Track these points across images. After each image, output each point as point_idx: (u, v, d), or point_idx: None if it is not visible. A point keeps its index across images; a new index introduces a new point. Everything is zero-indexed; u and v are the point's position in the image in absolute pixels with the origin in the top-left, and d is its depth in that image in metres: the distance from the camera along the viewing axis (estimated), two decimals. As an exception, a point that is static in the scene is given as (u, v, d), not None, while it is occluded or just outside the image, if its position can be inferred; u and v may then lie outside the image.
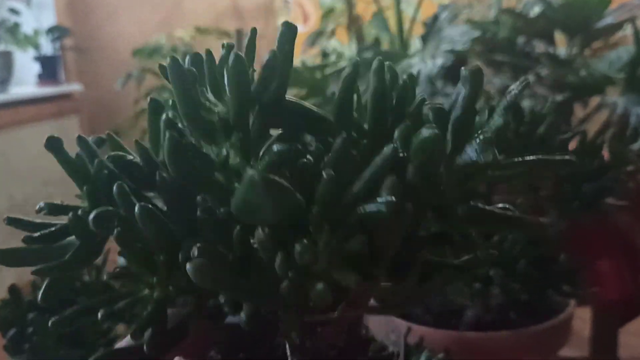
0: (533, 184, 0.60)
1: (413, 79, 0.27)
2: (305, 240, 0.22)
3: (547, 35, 1.20)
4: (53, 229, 0.28)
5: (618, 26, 1.17)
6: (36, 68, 2.26)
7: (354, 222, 0.22)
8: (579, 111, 1.08)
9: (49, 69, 2.25)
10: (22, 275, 0.52)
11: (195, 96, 0.25)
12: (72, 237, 0.28)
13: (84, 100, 2.34)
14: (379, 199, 0.21)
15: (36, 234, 0.28)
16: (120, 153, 0.28)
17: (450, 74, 1.10)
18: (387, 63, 0.27)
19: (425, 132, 0.23)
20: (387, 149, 0.22)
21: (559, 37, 1.25)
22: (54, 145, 0.27)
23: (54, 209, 0.28)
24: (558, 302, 0.68)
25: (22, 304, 0.48)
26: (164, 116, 0.27)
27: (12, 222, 0.29)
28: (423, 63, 1.12)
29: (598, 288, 1.26)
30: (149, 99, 0.31)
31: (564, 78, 1.09)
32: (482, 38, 1.13)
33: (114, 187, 0.25)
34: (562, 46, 1.24)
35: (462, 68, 0.25)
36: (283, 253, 0.22)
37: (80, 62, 2.38)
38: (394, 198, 0.21)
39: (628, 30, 1.18)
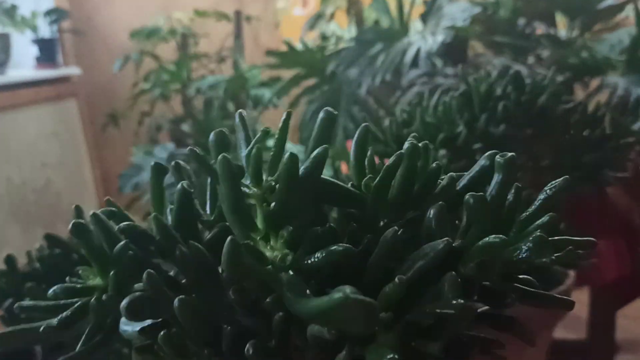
0: (533, 154, 0.60)
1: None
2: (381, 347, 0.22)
3: (548, 17, 1.19)
4: (69, 313, 0.28)
5: (619, 8, 1.17)
6: (34, 51, 2.24)
7: (424, 324, 0.23)
8: (579, 93, 1.08)
9: (47, 51, 2.23)
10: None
11: (241, 193, 0.25)
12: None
13: (82, 83, 2.32)
14: (452, 302, 0.22)
15: (55, 321, 0.28)
16: (131, 224, 0.28)
17: (450, 52, 1.10)
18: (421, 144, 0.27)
19: (495, 238, 0.24)
20: (441, 243, 0.23)
21: (560, 18, 1.24)
22: (79, 229, 0.27)
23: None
24: (556, 274, 0.68)
25: (18, 275, 0.48)
26: (179, 186, 0.28)
27: (24, 309, 0.29)
28: (423, 40, 1.11)
29: (596, 269, 1.26)
30: (153, 163, 0.31)
31: (564, 59, 1.08)
32: (482, 17, 1.12)
33: (145, 276, 0.25)
34: (562, 28, 1.23)
35: (497, 157, 0.26)
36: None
37: (78, 45, 2.37)
38: (461, 300, 0.22)
39: (629, 12, 1.17)
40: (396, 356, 0.21)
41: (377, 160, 0.29)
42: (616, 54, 1.07)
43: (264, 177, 0.26)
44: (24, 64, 2.25)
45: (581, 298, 1.65)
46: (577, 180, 0.58)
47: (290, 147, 1.78)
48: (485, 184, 0.27)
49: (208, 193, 0.31)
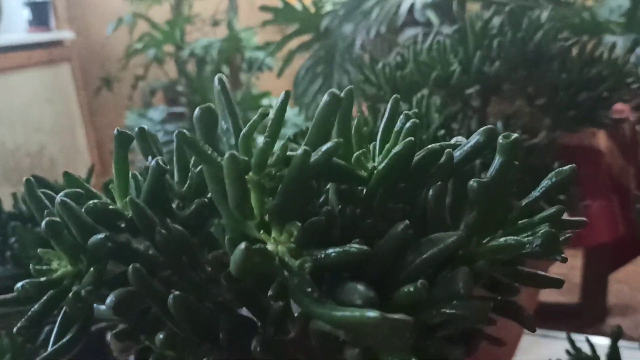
0: (528, 93, 0.59)
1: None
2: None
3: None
4: (40, 307, 0.26)
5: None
6: (26, 14, 2.21)
7: (439, 322, 0.23)
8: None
9: (39, 14, 2.21)
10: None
11: (247, 189, 0.24)
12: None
13: (75, 47, 2.30)
14: (470, 303, 0.22)
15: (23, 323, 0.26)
16: (99, 202, 0.27)
17: (445, 10, 1.08)
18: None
19: (511, 240, 0.24)
20: (453, 237, 0.23)
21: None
22: (54, 228, 0.26)
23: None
24: None
25: (3, 214, 0.47)
26: (154, 163, 0.26)
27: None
28: (420, -9, 1.10)
29: (590, 231, 1.26)
30: (116, 131, 0.28)
31: (564, 19, 1.07)
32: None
33: (130, 271, 0.24)
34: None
35: (500, 138, 0.25)
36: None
37: (71, 8, 2.34)
38: (478, 301, 0.22)
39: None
40: None
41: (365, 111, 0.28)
42: (616, 18, 1.07)
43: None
44: (15, 27, 2.22)
45: (574, 263, 1.66)
46: (571, 120, 0.57)
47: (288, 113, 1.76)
48: (477, 158, 0.27)
49: (175, 162, 0.30)
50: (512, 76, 0.58)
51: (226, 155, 0.22)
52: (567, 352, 0.53)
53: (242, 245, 0.21)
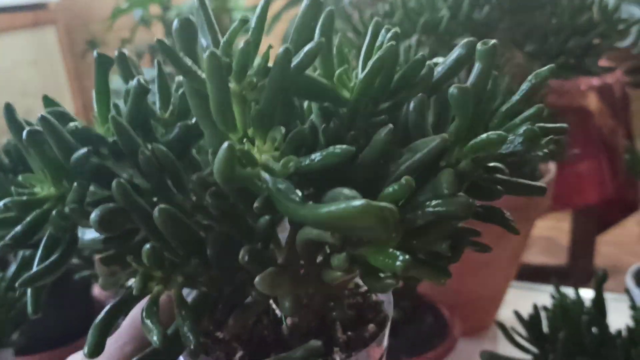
0: (518, 39, 0.59)
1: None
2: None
3: None
4: (24, 227, 0.25)
5: None
6: (8, -25, 2.16)
7: (423, 221, 0.22)
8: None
9: (22, -24, 2.15)
10: None
11: (228, 92, 0.23)
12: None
13: (60, 10, 2.25)
14: (454, 200, 0.22)
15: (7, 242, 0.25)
16: (84, 126, 0.26)
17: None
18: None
19: (493, 135, 0.23)
20: (437, 139, 0.23)
21: None
22: (35, 138, 0.25)
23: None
24: (536, 169, 0.67)
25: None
26: (135, 82, 0.26)
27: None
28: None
29: (578, 190, 1.27)
30: (95, 53, 0.28)
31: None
32: None
33: (114, 186, 0.23)
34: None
35: (478, 44, 0.24)
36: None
37: (55, -31, 2.28)
38: (462, 198, 0.21)
39: None
40: (407, 257, 0.19)
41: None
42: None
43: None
44: (-1, -12, 2.17)
45: (562, 226, 1.67)
46: (561, 67, 0.56)
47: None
48: (460, 71, 0.26)
49: (157, 87, 0.29)
50: (501, 22, 0.57)
51: (206, 54, 0.21)
52: (552, 296, 0.53)
53: (225, 144, 0.20)
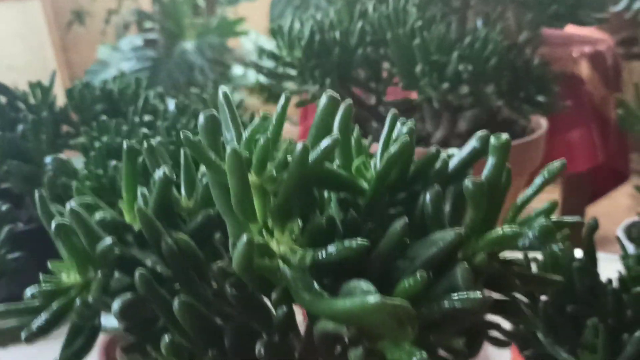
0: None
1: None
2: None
3: None
4: (49, 316, 0.26)
5: None
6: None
7: (441, 319, 0.23)
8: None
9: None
10: None
11: (248, 186, 0.24)
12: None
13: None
14: (470, 296, 0.22)
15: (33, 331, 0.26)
16: (112, 217, 0.28)
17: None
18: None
19: (508, 230, 0.24)
20: (452, 234, 0.23)
21: None
22: (63, 230, 0.26)
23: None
24: (529, 127, 0.68)
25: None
26: (161, 173, 0.27)
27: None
28: None
29: (569, 158, 1.27)
30: (125, 145, 0.29)
31: None
32: None
33: (137, 276, 0.24)
34: None
35: (492, 139, 0.25)
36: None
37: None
38: (478, 294, 0.22)
39: None
40: (424, 354, 0.20)
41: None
42: None
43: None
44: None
45: (552, 197, 1.69)
46: (553, 16, 0.56)
47: (263, 41, 1.72)
48: (473, 164, 0.27)
49: (183, 176, 0.30)
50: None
51: (228, 150, 0.22)
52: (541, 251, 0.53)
53: (244, 237, 0.21)
